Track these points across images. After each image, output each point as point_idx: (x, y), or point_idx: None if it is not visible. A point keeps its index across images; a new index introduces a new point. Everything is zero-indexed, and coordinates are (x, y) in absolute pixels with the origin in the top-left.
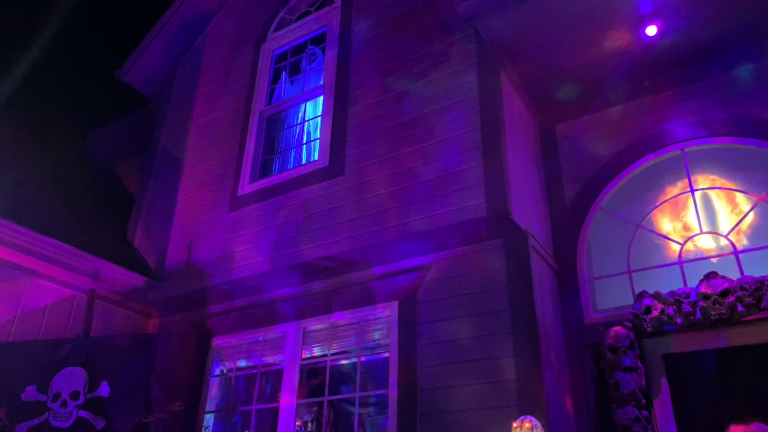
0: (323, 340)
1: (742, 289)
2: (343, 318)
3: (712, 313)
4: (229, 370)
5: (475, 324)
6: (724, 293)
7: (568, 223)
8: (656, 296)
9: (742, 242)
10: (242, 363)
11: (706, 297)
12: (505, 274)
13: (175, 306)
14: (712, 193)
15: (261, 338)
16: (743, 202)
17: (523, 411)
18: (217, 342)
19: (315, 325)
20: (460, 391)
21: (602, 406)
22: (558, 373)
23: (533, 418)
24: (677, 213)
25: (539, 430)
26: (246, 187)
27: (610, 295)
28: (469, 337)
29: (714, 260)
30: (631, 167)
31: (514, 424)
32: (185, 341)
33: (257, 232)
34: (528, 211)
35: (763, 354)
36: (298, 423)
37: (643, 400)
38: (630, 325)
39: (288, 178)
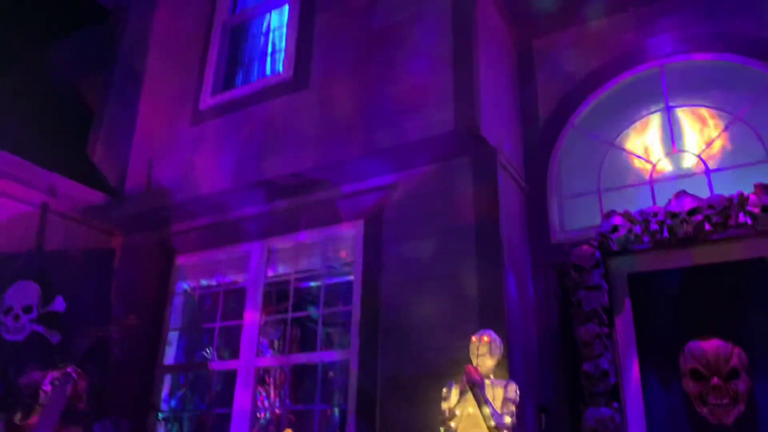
0: (288, 259)
1: (711, 207)
2: (308, 237)
3: (679, 231)
4: (193, 289)
5: (441, 242)
6: (692, 212)
7: (540, 141)
8: (624, 215)
9: (715, 161)
10: (206, 282)
11: (674, 216)
12: (472, 192)
13: (137, 224)
14: (688, 111)
15: (225, 257)
16: (718, 120)
17: (483, 326)
18: (181, 260)
19: (280, 243)
20: (422, 308)
21: (565, 324)
22: (522, 291)
23: (492, 332)
24: (651, 132)
25: (498, 344)
26: (208, 101)
27: (579, 215)
28: (433, 255)
29: (685, 180)
30: (608, 84)
31: (474, 338)
32: (148, 259)
33: (220, 147)
34: (499, 129)
35: (726, 273)
36: (264, 341)
37: (605, 318)
38: (596, 244)
39: (251, 92)
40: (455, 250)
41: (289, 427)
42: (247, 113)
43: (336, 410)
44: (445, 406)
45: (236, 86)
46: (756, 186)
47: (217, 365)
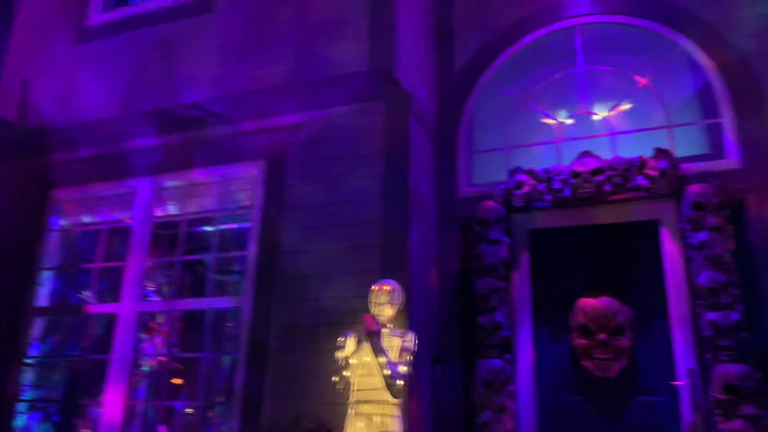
0: (180, 199)
1: (612, 169)
2: (203, 175)
3: (581, 191)
4: (72, 226)
5: (346, 188)
6: (595, 172)
7: (454, 92)
8: (529, 172)
9: (620, 124)
10: (87, 219)
11: (576, 175)
12: (382, 137)
13: (8, 152)
14: (598, 73)
15: (110, 193)
16: (627, 84)
17: (385, 276)
18: (59, 194)
19: (171, 181)
20: (323, 256)
21: (466, 277)
22: (425, 242)
23: (394, 282)
24: (562, 91)
25: (399, 293)
26: (97, 17)
27: (487, 170)
28: (338, 201)
29: (591, 140)
30: (524, 39)
31: (374, 287)
32: (20, 191)
33: (109, 71)
34: (414, 74)
35: (621, 233)
36: (150, 285)
37: (504, 273)
38: (501, 199)
39: (149, 11)
40: (361, 197)
41: (177, 375)
42: (142, 34)
43: (226, 359)
44: (340, 355)
45: (132, 3)
46: (656, 150)
47: (95, 309)
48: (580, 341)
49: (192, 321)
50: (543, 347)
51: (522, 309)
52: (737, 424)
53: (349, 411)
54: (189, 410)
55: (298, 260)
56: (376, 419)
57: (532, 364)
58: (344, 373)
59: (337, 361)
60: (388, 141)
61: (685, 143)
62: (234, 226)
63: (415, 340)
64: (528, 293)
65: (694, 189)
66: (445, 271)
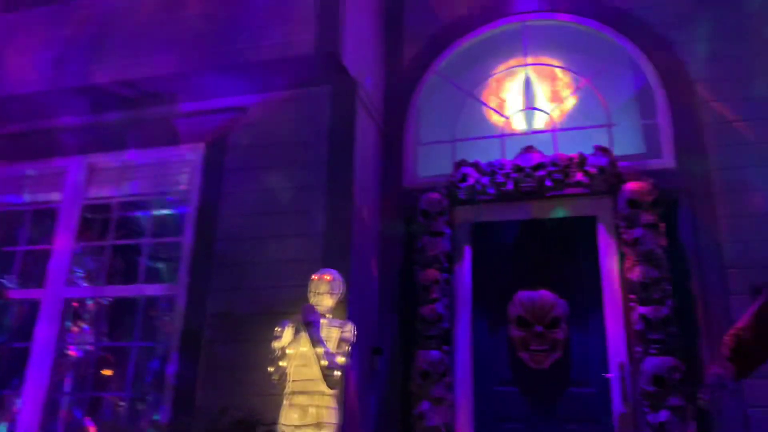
0: (113, 181)
1: (554, 165)
2: (138, 157)
3: (523, 185)
4: None
5: (289, 174)
6: (537, 167)
7: (402, 83)
8: (474, 165)
9: (562, 121)
10: (11, 199)
11: (519, 169)
12: (328, 124)
13: None
14: (544, 70)
15: (36, 172)
16: (570, 82)
17: (326, 265)
18: None
19: (104, 162)
20: (263, 244)
21: (408, 268)
22: (369, 232)
23: (335, 272)
24: (508, 86)
25: (339, 283)
26: None
27: (433, 162)
28: (280, 187)
29: (535, 136)
30: (473, 33)
31: (314, 277)
32: None
33: (39, 41)
34: (362, 62)
35: (560, 228)
36: (78, 270)
37: (446, 264)
38: (445, 192)
39: None
40: (304, 185)
41: (107, 365)
42: (78, 5)
43: (158, 349)
44: (276, 345)
45: None
46: (595, 148)
47: (17, 294)
48: (518, 333)
49: (123, 309)
50: (482, 339)
51: (463, 301)
52: (663, 414)
53: (284, 402)
54: (118, 402)
55: (236, 248)
56: (311, 410)
57: (471, 355)
58: (280, 363)
59: (274, 351)
60: (333, 128)
61: (624, 142)
62: (170, 210)
63: (354, 331)
64: (469, 285)
65: (630, 187)
66: (388, 262)
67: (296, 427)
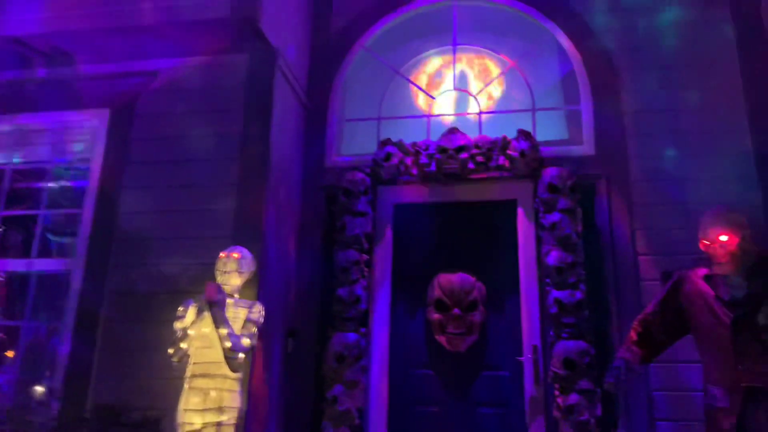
0: (5, 146)
1: (477, 147)
2: (36, 121)
3: (446, 167)
4: None
5: (201, 146)
6: (460, 149)
7: (328, 57)
8: (398, 145)
9: (488, 104)
10: None
11: (443, 151)
12: (244, 94)
13: None
14: (472, 52)
15: None
16: (497, 65)
17: (237, 243)
18: None
19: None
20: (169, 219)
21: (328, 248)
22: (286, 210)
23: (244, 250)
24: (436, 66)
25: (249, 262)
26: None
27: (357, 140)
28: (190, 158)
29: (460, 118)
30: (402, 9)
31: (222, 254)
32: None
33: None
34: (284, 31)
35: (482, 211)
36: None
37: (367, 245)
38: (369, 171)
39: None
40: (216, 157)
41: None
42: None
43: (52, 327)
44: (178, 325)
45: None
46: (518, 132)
47: None
48: (436, 316)
49: (14, 285)
50: (400, 321)
51: (382, 283)
52: (573, 397)
53: (184, 386)
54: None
55: (140, 222)
56: (213, 394)
57: (388, 338)
58: (181, 344)
59: (175, 332)
60: (250, 98)
61: (548, 127)
62: (69, 180)
63: (261, 312)
64: (389, 267)
65: (550, 172)
66: (308, 241)
67: (196, 411)
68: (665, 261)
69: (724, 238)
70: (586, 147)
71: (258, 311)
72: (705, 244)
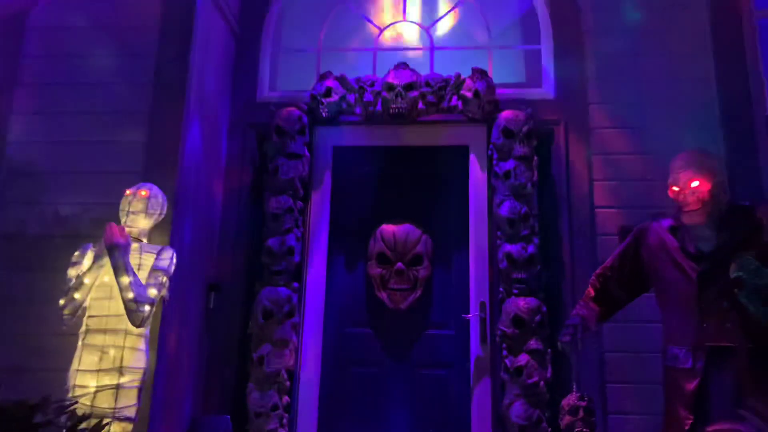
0: None
1: (428, 85)
2: None
3: (393, 106)
4: None
5: (106, 66)
6: (409, 87)
7: None
8: (340, 80)
9: (441, 39)
10: None
11: (390, 88)
12: (161, 9)
13: None
14: None
15: None
16: None
17: (147, 180)
18: None
19: None
20: (66, 150)
21: (258, 193)
22: (210, 148)
23: (154, 187)
24: None
25: (160, 202)
26: None
27: (294, 75)
28: (94, 82)
29: (410, 54)
30: None
31: (128, 192)
32: None
33: None
34: None
35: (430, 157)
36: None
37: (302, 191)
38: (306, 108)
39: None
40: (125, 81)
41: None
42: None
43: None
44: (73, 272)
45: None
46: (473, 70)
47: None
48: (377, 270)
49: None
50: (338, 276)
51: (318, 233)
52: (522, 358)
53: (78, 342)
54: None
55: (32, 153)
56: (112, 352)
57: (324, 294)
58: (75, 295)
59: (69, 280)
60: (167, 15)
61: (504, 68)
62: None
63: (173, 259)
64: (327, 216)
65: (505, 115)
66: (235, 185)
67: (90, 372)
68: (623, 215)
69: (695, 183)
70: (545, 90)
71: (168, 258)
72: (674, 191)
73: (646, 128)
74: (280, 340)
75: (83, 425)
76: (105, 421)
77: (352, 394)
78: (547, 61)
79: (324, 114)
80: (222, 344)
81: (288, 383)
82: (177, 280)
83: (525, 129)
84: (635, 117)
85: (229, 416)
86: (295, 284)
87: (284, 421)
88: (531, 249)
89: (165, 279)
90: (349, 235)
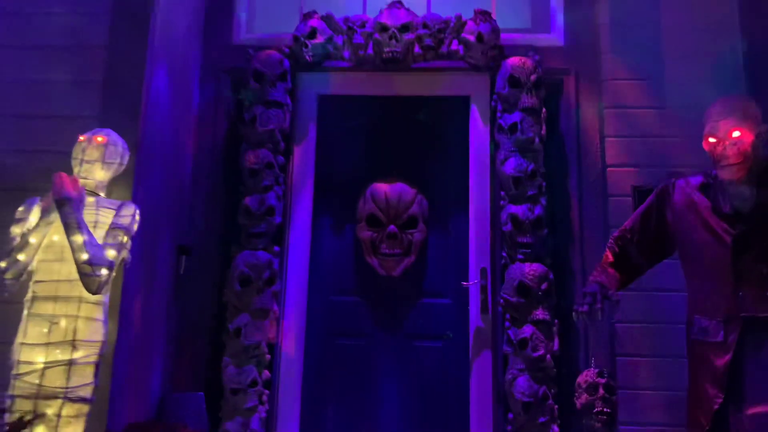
0: None
1: (425, 27)
2: None
3: (386, 50)
4: None
5: None
6: (404, 28)
7: None
8: (326, 19)
9: None
10: None
11: (383, 29)
12: None
13: None
14: None
15: None
16: None
17: (106, 125)
18: None
19: None
20: (9, 87)
21: (234, 146)
22: (179, 93)
23: (112, 133)
24: None
25: (120, 150)
26: None
27: (275, 15)
28: (42, 11)
29: None
30: None
31: (81, 138)
32: None
33: None
34: None
35: (427, 109)
36: None
37: (283, 145)
38: (288, 51)
39: None
40: (79, 8)
41: None
42: None
43: None
44: (17, 230)
45: None
46: (476, 11)
47: None
48: (367, 233)
49: None
50: (323, 239)
51: (302, 192)
52: (527, 329)
53: (24, 312)
54: None
55: None
56: (64, 323)
57: (308, 259)
58: (19, 256)
59: (12, 239)
60: None
61: (508, 12)
62: None
63: (135, 216)
64: (311, 173)
65: (512, 62)
66: (209, 137)
67: (38, 346)
68: (638, 174)
69: (736, 134)
70: (554, 36)
71: (129, 215)
72: (710, 143)
73: (664, 79)
74: (260, 310)
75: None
76: (27, 417)
77: (339, 368)
78: (557, 4)
79: (308, 58)
80: (194, 314)
81: (268, 357)
82: (142, 241)
83: (533, 78)
84: (652, 67)
85: (202, 393)
86: (276, 248)
87: (264, 398)
88: (538, 210)
89: (125, 239)
90: (336, 195)
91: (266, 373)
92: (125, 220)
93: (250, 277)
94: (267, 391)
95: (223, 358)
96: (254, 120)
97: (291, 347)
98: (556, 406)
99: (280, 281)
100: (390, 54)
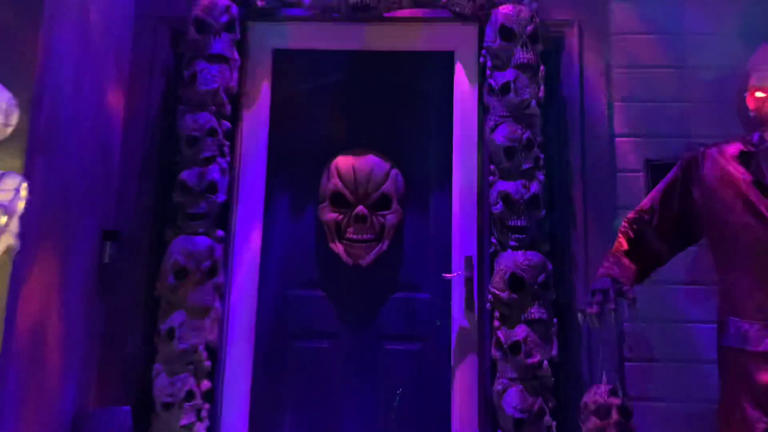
0: None
1: None
2: None
3: None
4: None
5: None
6: None
7: None
8: None
9: None
10: None
11: None
12: None
13: None
14: None
15: None
16: None
17: None
18: None
19: None
20: None
21: (171, 110)
22: (99, 45)
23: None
24: None
25: (3, 107)
26: None
27: None
28: None
29: None
30: None
31: None
32: None
33: None
34: None
35: (402, 66)
36: None
37: (229, 107)
38: None
39: None
40: None
41: None
42: None
43: None
44: None
45: None
46: None
47: None
48: (331, 215)
49: None
50: (278, 222)
51: (252, 165)
52: (520, 330)
53: None
54: None
55: None
56: None
57: (259, 245)
58: None
59: None
60: None
61: None
62: None
63: (20, 190)
64: (264, 142)
65: (504, 10)
66: (142, 99)
67: None
68: (651, 145)
69: None
70: None
71: (11, 188)
72: (756, 99)
73: (682, 34)
74: (198, 307)
75: None
76: None
77: (297, 377)
78: None
79: (260, 3)
80: (122, 311)
81: (208, 363)
82: (49, 223)
83: (529, 29)
84: (668, 20)
85: (129, 408)
86: (220, 232)
87: (203, 413)
88: (534, 188)
89: (4, 218)
90: (294, 169)
91: (206, 384)
92: (4, 196)
93: (186, 268)
94: (207, 405)
95: (154, 365)
96: (194, 77)
97: (238, 352)
98: (554, 423)
99: (224, 272)
100: (360, 1)
